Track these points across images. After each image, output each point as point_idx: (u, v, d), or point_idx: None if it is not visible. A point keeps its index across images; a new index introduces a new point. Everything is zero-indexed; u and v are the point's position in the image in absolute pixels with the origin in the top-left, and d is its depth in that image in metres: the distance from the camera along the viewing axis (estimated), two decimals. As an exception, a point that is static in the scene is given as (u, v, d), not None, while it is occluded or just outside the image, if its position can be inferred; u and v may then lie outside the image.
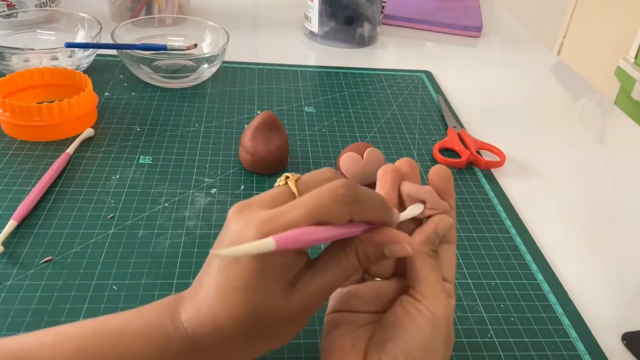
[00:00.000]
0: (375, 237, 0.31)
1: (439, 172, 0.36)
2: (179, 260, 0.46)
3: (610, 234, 0.55)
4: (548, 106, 0.79)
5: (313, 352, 0.39)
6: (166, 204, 0.51)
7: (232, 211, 0.30)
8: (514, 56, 0.94)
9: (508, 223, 0.54)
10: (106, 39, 0.74)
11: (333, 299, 0.35)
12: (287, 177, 0.32)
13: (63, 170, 0.54)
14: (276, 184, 0.32)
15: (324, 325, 0.34)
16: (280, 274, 0.29)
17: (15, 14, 0.75)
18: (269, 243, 0.26)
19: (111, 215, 0.49)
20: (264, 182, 0.55)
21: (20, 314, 0.40)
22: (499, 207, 0.56)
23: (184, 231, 0.48)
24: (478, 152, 0.64)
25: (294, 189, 0.31)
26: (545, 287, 0.47)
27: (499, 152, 0.64)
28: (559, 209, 0.58)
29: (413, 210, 0.34)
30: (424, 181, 0.45)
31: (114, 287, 0.42)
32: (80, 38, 0.74)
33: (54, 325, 0.39)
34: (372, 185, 0.35)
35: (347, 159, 0.43)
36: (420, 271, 0.33)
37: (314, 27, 0.88)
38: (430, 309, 0.31)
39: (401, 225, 0.34)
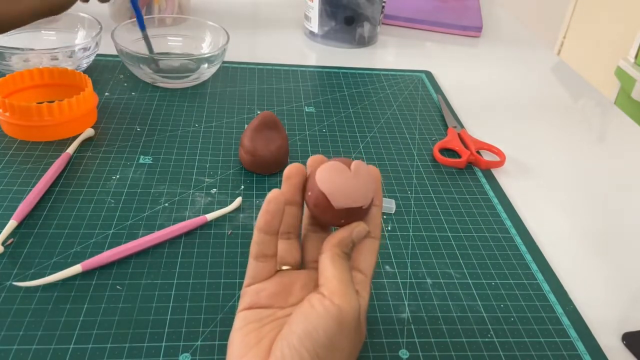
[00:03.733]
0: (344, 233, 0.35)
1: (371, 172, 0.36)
2: (179, 260, 0.46)
3: (610, 234, 0.55)
4: (548, 106, 0.79)
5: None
6: (166, 204, 0.51)
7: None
8: (514, 56, 0.94)
9: (508, 223, 0.54)
10: (106, 39, 0.74)
11: (245, 296, 0.35)
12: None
13: (63, 170, 0.54)
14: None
15: (235, 321, 0.34)
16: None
17: (15, 14, 0.75)
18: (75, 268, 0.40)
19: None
20: (264, 182, 0.55)
21: (21, 314, 0.40)
22: (499, 207, 0.56)
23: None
24: (478, 152, 0.64)
25: None
26: (545, 287, 0.47)
27: (499, 152, 0.64)
28: (559, 209, 0.58)
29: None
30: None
31: (118, 287, 0.42)
32: (80, 38, 0.74)
33: (54, 325, 0.39)
34: (360, 211, 0.35)
35: (328, 169, 0.34)
36: (330, 270, 0.33)
37: (314, 27, 0.88)
38: (337, 305, 0.31)
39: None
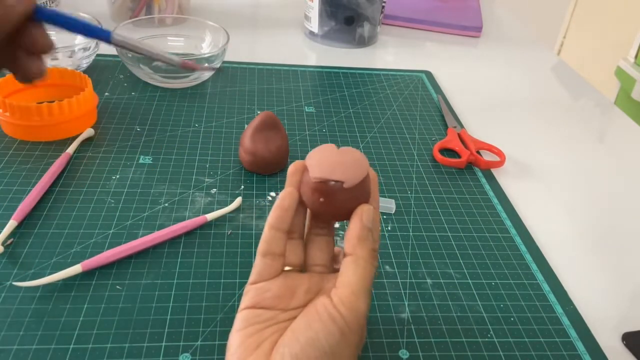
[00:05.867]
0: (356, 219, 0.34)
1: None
2: (179, 260, 0.46)
3: (610, 234, 0.55)
4: (548, 106, 0.79)
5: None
6: (166, 204, 0.51)
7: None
8: (514, 56, 0.94)
9: (508, 223, 0.54)
10: (106, 39, 0.74)
11: (248, 294, 0.34)
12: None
13: (63, 170, 0.54)
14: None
15: (235, 322, 0.34)
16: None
17: (15, 14, 0.75)
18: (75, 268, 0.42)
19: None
20: (264, 182, 0.55)
21: (20, 314, 0.40)
22: (499, 207, 0.56)
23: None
24: (478, 152, 0.64)
25: None
26: (545, 287, 0.47)
27: (499, 152, 0.64)
28: (559, 209, 0.58)
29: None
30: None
31: (118, 287, 0.42)
32: (80, 38, 0.74)
33: (54, 325, 0.39)
34: (340, 189, 0.33)
35: (317, 148, 0.35)
36: (349, 276, 0.32)
37: (314, 27, 0.88)
38: (345, 318, 0.31)
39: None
